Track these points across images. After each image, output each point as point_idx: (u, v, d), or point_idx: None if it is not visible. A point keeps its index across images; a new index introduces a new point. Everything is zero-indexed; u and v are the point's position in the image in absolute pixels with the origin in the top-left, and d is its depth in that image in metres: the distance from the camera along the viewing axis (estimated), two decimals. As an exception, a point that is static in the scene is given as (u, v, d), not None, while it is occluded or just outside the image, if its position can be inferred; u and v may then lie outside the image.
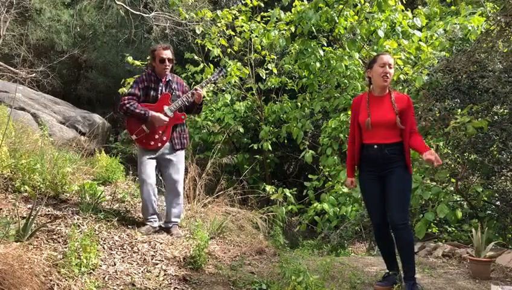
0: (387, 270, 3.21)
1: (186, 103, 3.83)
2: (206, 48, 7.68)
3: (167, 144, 3.83)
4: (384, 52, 3.20)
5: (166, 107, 3.79)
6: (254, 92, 8.13)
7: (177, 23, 10.61)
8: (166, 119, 3.75)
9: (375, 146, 3.03)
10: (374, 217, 3.17)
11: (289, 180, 8.98)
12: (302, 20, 6.64)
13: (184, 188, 5.03)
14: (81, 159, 5.32)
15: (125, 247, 3.37)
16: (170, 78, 3.90)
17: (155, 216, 3.91)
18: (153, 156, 3.82)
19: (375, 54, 6.12)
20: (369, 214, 3.31)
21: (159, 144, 3.78)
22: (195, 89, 3.80)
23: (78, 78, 13.33)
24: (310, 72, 6.99)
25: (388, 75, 3.01)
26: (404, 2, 6.79)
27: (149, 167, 3.81)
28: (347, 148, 3.32)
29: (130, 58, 7.97)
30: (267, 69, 8.02)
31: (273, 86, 8.18)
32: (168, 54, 3.81)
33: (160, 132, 3.78)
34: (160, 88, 3.83)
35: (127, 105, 3.69)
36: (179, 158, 3.89)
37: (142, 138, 3.78)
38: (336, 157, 6.16)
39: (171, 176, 3.86)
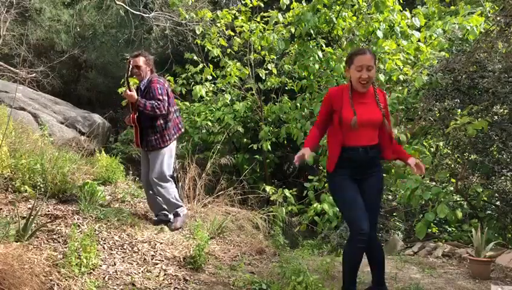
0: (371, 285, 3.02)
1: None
2: (205, 48, 7.67)
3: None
4: (361, 50, 2.75)
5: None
6: (254, 92, 8.12)
7: (177, 23, 10.60)
8: (131, 93, 3.77)
9: (360, 149, 2.71)
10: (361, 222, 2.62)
11: (289, 181, 8.95)
12: (301, 23, 6.64)
13: (184, 188, 5.06)
14: (81, 159, 5.33)
15: (125, 247, 3.38)
16: (145, 81, 3.97)
17: (165, 211, 4.09)
18: (144, 156, 4.05)
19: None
20: (352, 219, 2.69)
21: (137, 143, 3.99)
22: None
23: (78, 78, 13.31)
24: (309, 73, 6.98)
25: (367, 80, 2.68)
26: (402, 2, 6.77)
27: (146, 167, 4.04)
28: (310, 131, 2.88)
29: (129, 59, 7.95)
30: (266, 69, 8.01)
31: (273, 86, 8.17)
32: (134, 61, 3.92)
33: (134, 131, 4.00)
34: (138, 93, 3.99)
35: None
36: (153, 157, 3.95)
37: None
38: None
39: (149, 175, 3.97)
